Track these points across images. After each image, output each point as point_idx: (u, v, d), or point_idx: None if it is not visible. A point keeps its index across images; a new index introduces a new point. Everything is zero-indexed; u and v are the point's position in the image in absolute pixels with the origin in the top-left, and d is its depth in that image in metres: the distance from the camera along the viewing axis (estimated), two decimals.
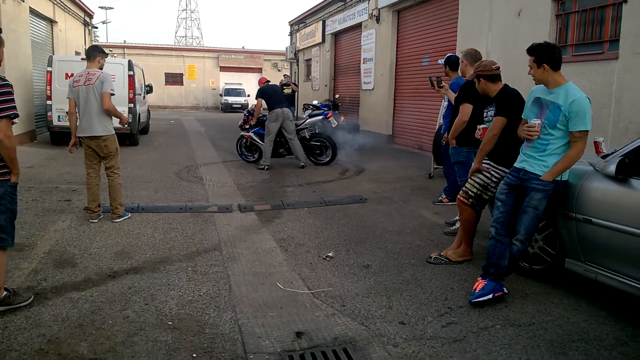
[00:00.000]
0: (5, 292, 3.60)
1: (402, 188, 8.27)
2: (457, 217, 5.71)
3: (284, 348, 3.22)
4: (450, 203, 6.88)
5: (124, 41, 42.68)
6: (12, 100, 3.43)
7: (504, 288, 3.88)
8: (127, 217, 6.02)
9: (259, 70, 42.04)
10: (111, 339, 3.24)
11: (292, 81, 17.43)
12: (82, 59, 13.26)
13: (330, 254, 4.97)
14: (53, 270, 4.38)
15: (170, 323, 3.49)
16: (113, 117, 5.90)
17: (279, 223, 6.14)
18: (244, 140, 10.74)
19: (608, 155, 3.91)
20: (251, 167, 10.31)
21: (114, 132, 5.88)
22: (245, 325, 3.51)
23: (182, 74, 41.05)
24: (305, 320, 3.60)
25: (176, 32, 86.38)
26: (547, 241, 4.19)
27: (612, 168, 3.55)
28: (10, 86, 3.45)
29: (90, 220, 5.87)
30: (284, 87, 16.77)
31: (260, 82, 11.23)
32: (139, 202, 6.77)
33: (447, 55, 6.57)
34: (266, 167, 9.98)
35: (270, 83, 11.07)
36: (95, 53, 5.89)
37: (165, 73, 40.25)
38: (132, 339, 3.25)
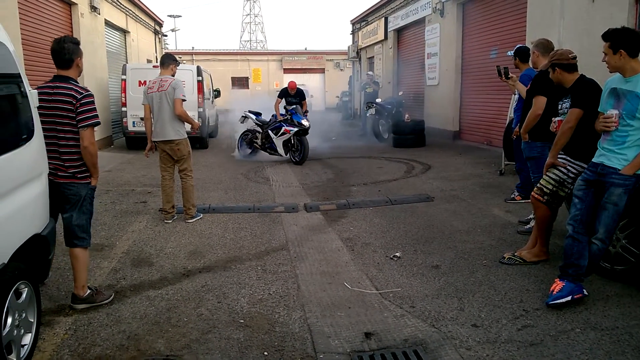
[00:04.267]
0: (88, 291, 3.81)
1: (471, 185, 8.04)
2: (531, 216, 5.49)
3: (353, 348, 3.21)
4: (523, 201, 6.62)
5: (192, 48, 44.20)
6: (95, 109, 3.66)
7: (584, 290, 3.68)
8: (199, 217, 6.23)
9: (322, 70, 42.29)
10: (186, 336, 3.36)
11: (374, 80, 17.48)
12: (153, 66, 13.89)
13: (397, 254, 4.91)
14: (131, 269, 4.60)
15: (242, 321, 3.58)
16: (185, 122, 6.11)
17: (345, 223, 6.14)
18: (250, 135, 11.65)
19: None
20: (316, 166, 10.38)
21: (186, 136, 6.10)
22: (314, 324, 3.53)
23: (247, 77, 41.98)
24: (374, 321, 3.58)
25: (241, 37, 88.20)
26: (630, 240, 3.94)
27: None
28: (92, 96, 3.68)
29: (165, 221, 6.11)
30: (366, 87, 16.81)
31: (291, 86, 11.99)
32: (210, 203, 6.98)
33: (517, 46, 6.31)
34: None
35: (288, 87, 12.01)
36: (168, 61, 6.13)
37: (231, 77, 41.32)
38: (206, 337, 3.36)
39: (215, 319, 3.61)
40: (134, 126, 13.04)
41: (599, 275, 4.08)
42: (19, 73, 3.02)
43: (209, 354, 3.15)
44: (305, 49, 44.40)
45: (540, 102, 4.78)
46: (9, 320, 2.72)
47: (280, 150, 10.83)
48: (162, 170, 6.20)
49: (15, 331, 2.80)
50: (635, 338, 3.19)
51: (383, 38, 20.09)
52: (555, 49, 4.78)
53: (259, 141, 11.38)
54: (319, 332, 3.41)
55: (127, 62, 16.56)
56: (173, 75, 6.15)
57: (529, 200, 6.29)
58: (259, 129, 11.48)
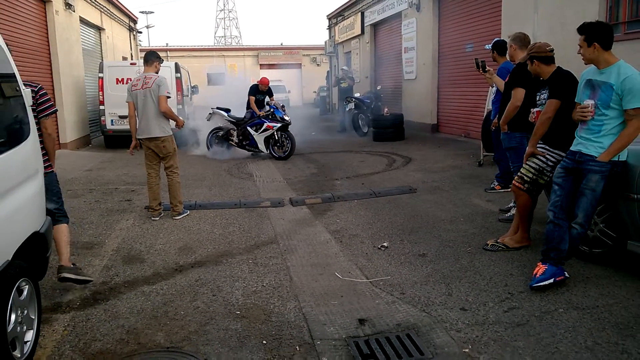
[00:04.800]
0: (72, 265, 4.11)
1: (451, 177, 8.23)
2: (511, 204, 5.68)
3: (348, 334, 3.33)
4: (502, 190, 6.83)
5: (166, 44, 43.77)
6: (50, 99, 4.01)
7: (565, 272, 3.86)
8: (186, 214, 6.27)
9: (298, 65, 42.24)
10: (185, 329, 3.43)
11: (349, 75, 17.41)
12: (131, 63, 13.77)
13: (385, 244, 5.04)
14: (123, 266, 4.64)
15: (238, 312, 3.66)
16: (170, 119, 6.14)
17: (331, 215, 6.25)
18: (222, 133, 11.46)
19: None
20: (298, 161, 10.46)
21: (171, 133, 6.13)
22: (309, 313, 3.63)
23: (223, 73, 41.71)
24: (366, 308, 3.70)
25: (215, 33, 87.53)
26: (607, 224, 4.13)
27: None
28: (44, 88, 4.00)
29: (152, 218, 6.14)
30: (341, 82, 16.79)
31: (264, 82, 11.85)
32: (195, 200, 7.02)
33: (495, 39, 6.50)
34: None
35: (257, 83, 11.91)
36: (152, 58, 6.14)
37: (207, 74, 41.02)
38: (205, 328, 3.43)
39: (211, 311, 3.69)
40: (112, 124, 12.93)
41: (578, 258, 4.27)
42: (14, 73, 3.04)
43: (209, 344, 3.23)
44: (282, 44, 44.33)
45: (519, 94, 4.96)
46: (13, 317, 2.76)
47: (262, 146, 10.86)
48: (147, 167, 6.21)
49: (18, 328, 2.84)
50: (614, 316, 3.38)
51: (360, 33, 20.23)
52: (532, 43, 4.94)
53: (235, 138, 11.28)
54: (314, 320, 3.52)
55: (102, 60, 16.37)
56: (157, 73, 6.16)
57: (509, 190, 6.52)
58: (233, 126, 11.36)
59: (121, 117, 12.53)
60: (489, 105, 8.23)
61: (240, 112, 11.72)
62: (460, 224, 5.64)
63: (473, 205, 6.41)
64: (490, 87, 7.72)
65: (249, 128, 10.97)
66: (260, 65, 42.22)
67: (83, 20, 14.89)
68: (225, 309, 3.72)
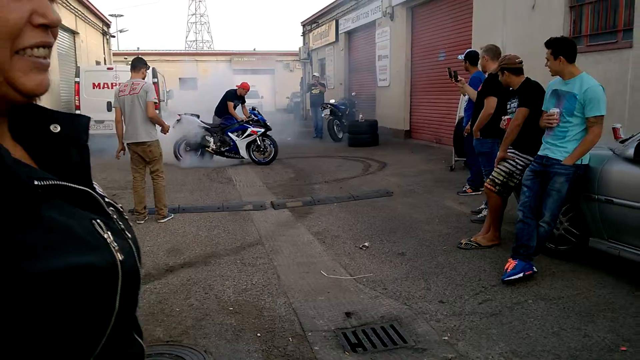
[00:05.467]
0: None
1: (425, 181, 8.57)
2: (482, 206, 6.02)
3: (337, 326, 3.57)
4: (473, 193, 7.18)
5: (137, 48, 43.32)
6: None
7: (534, 267, 4.19)
8: (170, 217, 6.42)
9: (271, 71, 42.40)
10: (182, 324, 3.62)
11: (320, 82, 17.49)
12: (108, 68, 13.78)
13: (366, 244, 5.31)
14: None
15: (231, 308, 3.86)
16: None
17: (312, 218, 6.49)
18: (194, 140, 10.93)
19: (626, 140, 4.20)
20: (276, 166, 10.66)
21: (157, 138, 6.28)
22: (298, 308, 3.86)
23: (196, 78, 41.56)
24: (352, 302, 3.95)
25: (186, 37, 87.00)
26: (571, 223, 4.49)
27: (630, 151, 3.86)
28: None
29: (137, 222, 6.27)
30: (312, 88, 16.94)
31: (245, 87, 11.61)
32: (179, 204, 7.17)
33: (467, 50, 6.87)
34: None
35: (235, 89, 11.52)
36: (139, 65, 6.30)
37: (179, 78, 40.81)
38: (201, 323, 3.63)
39: (205, 308, 3.88)
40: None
41: (545, 254, 4.61)
42: None
43: (206, 337, 3.43)
44: (254, 49, 44.45)
45: (492, 103, 5.31)
46: None
47: (243, 152, 10.77)
48: (133, 172, 6.35)
49: None
50: (577, 305, 3.71)
51: (334, 40, 20.59)
52: (503, 54, 5.31)
53: (212, 145, 10.88)
54: (304, 314, 3.75)
55: (76, 64, 16.29)
56: (143, 79, 6.32)
57: (479, 193, 6.89)
58: (207, 132, 10.92)
59: (97, 122, 12.52)
60: (460, 113, 8.60)
61: (207, 117, 11.42)
62: (435, 225, 5.95)
63: (446, 207, 6.75)
64: (462, 95, 8.09)
65: (230, 134, 10.87)
66: (234, 70, 42.27)
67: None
68: (218, 306, 3.92)
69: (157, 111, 10.62)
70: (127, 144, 6.23)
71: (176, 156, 10.78)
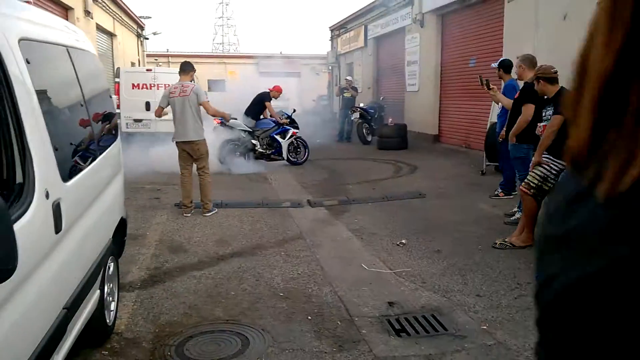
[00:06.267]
0: None
1: (456, 184, 8.79)
2: (515, 209, 6.23)
3: (381, 313, 3.85)
4: (506, 197, 7.37)
5: (167, 50, 44.14)
6: None
7: None
8: (215, 212, 6.78)
9: (297, 74, 42.78)
10: (239, 305, 3.95)
11: (352, 85, 17.60)
12: (147, 70, 14.28)
13: (403, 241, 5.57)
14: (170, 255, 5.14)
15: (281, 294, 4.18)
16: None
17: (349, 216, 6.78)
18: (240, 145, 10.64)
19: None
20: (309, 167, 10.95)
21: (204, 137, 6.65)
22: (344, 296, 4.15)
23: (224, 80, 42.21)
24: (393, 293, 4.22)
25: (213, 39, 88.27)
26: None
27: None
28: None
29: (184, 214, 6.64)
30: (344, 91, 17.16)
31: (279, 90, 11.52)
32: (221, 200, 7.52)
33: (501, 59, 7.09)
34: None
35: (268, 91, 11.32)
36: (188, 68, 6.69)
37: (208, 80, 41.50)
38: (255, 305, 3.95)
39: (258, 293, 4.20)
40: (127, 127, 13.36)
41: None
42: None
43: (262, 318, 3.74)
44: (280, 52, 44.93)
45: (529, 110, 5.53)
46: (106, 288, 3.27)
47: (285, 153, 10.79)
48: (181, 168, 6.73)
49: (109, 298, 3.34)
50: None
51: (363, 45, 20.87)
52: (539, 64, 5.53)
53: (259, 148, 10.71)
54: (350, 302, 4.04)
55: (113, 65, 16.88)
56: (192, 81, 6.70)
57: (511, 197, 7.10)
58: (250, 136, 10.79)
59: (136, 120, 13.04)
60: (492, 118, 8.81)
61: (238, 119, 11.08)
62: (469, 226, 6.19)
63: (479, 210, 6.97)
64: (494, 103, 8.29)
65: (276, 136, 10.85)
66: (260, 72, 42.80)
67: (99, 27, 15.42)
68: (269, 292, 4.24)
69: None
70: (177, 142, 6.61)
71: (221, 160, 10.23)
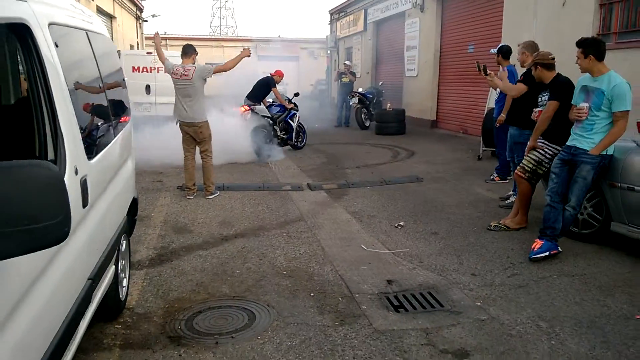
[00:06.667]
0: None
1: (453, 169, 8.95)
2: (510, 192, 6.40)
3: (380, 291, 4.03)
4: (501, 181, 7.54)
5: (164, 32, 43.86)
6: None
7: (558, 247, 4.59)
8: (217, 194, 6.93)
9: (296, 58, 42.63)
10: (244, 283, 4.12)
11: (351, 70, 17.54)
12: (147, 53, 14.31)
13: (401, 223, 5.74)
14: (176, 235, 5.30)
15: (284, 273, 4.35)
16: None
17: (348, 199, 6.94)
18: (265, 132, 10.45)
19: None
20: (307, 152, 11.07)
21: (207, 119, 6.75)
22: (344, 275, 4.33)
23: (222, 63, 42.01)
24: (392, 272, 4.40)
25: (211, 22, 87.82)
26: (595, 208, 4.88)
27: None
28: None
29: (187, 197, 6.79)
30: (342, 76, 17.16)
31: (281, 74, 11.40)
32: (223, 183, 7.66)
33: (500, 45, 7.20)
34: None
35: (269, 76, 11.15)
36: (190, 51, 6.79)
37: (206, 63, 41.29)
38: (260, 283, 4.12)
39: (262, 271, 4.37)
40: None
41: (569, 237, 4.99)
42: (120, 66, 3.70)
43: (267, 295, 3.91)
44: (279, 36, 44.72)
45: (520, 86, 5.61)
46: (119, 264, 3.43)
47: (293, 137, 10.78)
48: (185, 151, 6.86)
49: (122, 274, 3.50)
50: (598, 280, 4.12)
51: (362, 29, 20.87)
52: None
53: (279, 134, 10.59)
54: (350, 280, 4.22)
55: None
56: (193, 64, 6.79)
57: (507, 181, 7.27)
58: (270, 121, 10.55)
59: (137, 104, 13.09)
60: (490, 104, 8.94)
61: (237, 102, 11.03)
62: (465, 209, 6.36)
63: (475, 193, 7.14)
64: (492, 88, 8.41)
65: (290, 121, 10.79)
66: (259, 56, 42.63)
67: (99, 9, 15.40)
68: (273, 270, 4.41)
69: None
70: (180, 124, 6.73)
71: (257, 153, 9.83)
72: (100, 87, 2.99)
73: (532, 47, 6.11)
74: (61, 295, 1.94)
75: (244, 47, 7.00)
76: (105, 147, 2.83)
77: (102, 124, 2.99)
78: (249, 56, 6.98)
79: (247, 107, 10.35)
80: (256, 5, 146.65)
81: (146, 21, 25.12)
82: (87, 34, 2.93)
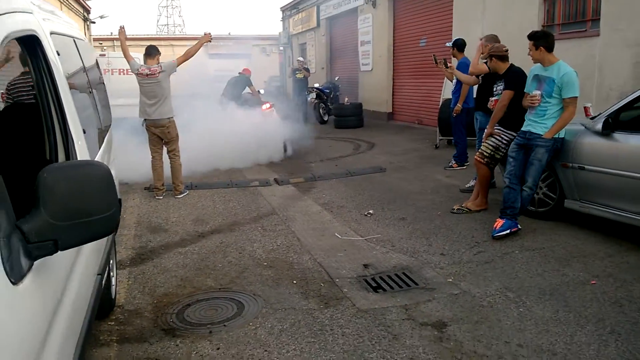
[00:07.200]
0: None
1: (413, 158, 9.30)
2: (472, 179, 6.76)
3: (358, 274, 4.26)
4: (459, 168, 7.93)
5: (111, 33, 42.75)
6: None
7: (518, 225, 4.94)
8: (186, 193, 6.99)
9: (248, 56, 42.39)
10: (228, 275, 4.26)
11: (304, 66, 17.75)
12: (100, 54, 14.03)
13: (370, 212, 6.00)
14: (152, 235, 5.37)
15: (265, 264, 4.52)
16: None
17: (316, 192, 7.14)
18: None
19: (595, 117, 4.96)
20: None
21: (173, 118, 6.78)
22: (323, 262, 4.53)
23: (174, 62, 41.31)
24: (367, 257, 4.64)
25: (158, 21, 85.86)
26: (549, 188, 5.27)
27: (599, 126, 4.62)
28: None
29: (157, 197, 6.83)
30: (296, 72, 17.28)
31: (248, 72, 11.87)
32: (191, 181, 7.72)
33: (455, 38, 7.56)
34: None
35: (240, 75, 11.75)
36: (154, 52, 6.81)
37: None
38: (243, 274, 4.28)
39: (243, 264, 4.53)
40: None
41: (527, 216, 5.36)
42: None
43: (252, 285, 4.07)
44: (229, 34, 44.33)
45: (483, 66, 5.96)
46: (110, 262, 3.51)
47: None
48: (152, 151, 6.88)
49: (111, 272, 3.59)
50: (556, 253, 4.48)
51: (316, 25, 21.07)
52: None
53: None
54: (329, 266, 4.43)
55: None
56: (158, 64, 6.81)
57: (464, 167, 7.63)
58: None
59: None
60: (445, 95, 9.33)
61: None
62: (428, 195, 6.68)
63: (436, 180, 7.48)
64: (447, 80, 8.79)
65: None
66: (209, 54, 42.16)
67: None
68: (254, 262, 4.57)
69: None
70: (147, 125, 6.75)
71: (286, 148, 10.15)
72: (90, 92, 3.07)
73: (494, 40, 6.46)
74: (85, 288, 2.05)
75: (205, 32, 7.00)
76: (100, 148, 2.93)
77: (95, 126, 3.07)
78: (210, 41, 6.99)
79: (269, 107, 10.57)
80: (203, 3, 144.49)
81: (94, 22, 24.49)
82: (74, 40, 3.01)
